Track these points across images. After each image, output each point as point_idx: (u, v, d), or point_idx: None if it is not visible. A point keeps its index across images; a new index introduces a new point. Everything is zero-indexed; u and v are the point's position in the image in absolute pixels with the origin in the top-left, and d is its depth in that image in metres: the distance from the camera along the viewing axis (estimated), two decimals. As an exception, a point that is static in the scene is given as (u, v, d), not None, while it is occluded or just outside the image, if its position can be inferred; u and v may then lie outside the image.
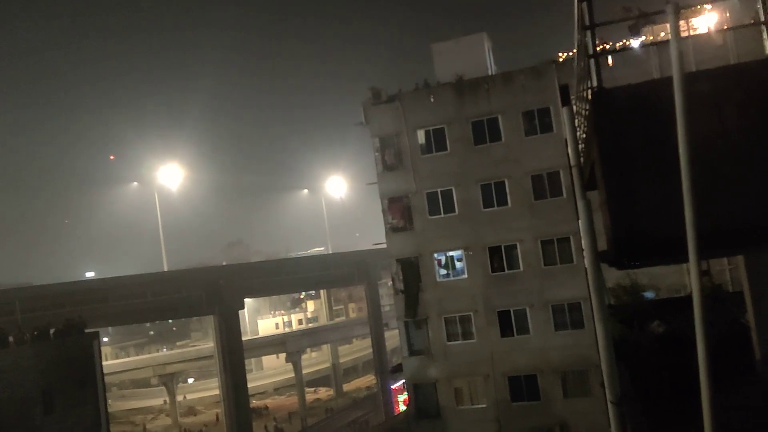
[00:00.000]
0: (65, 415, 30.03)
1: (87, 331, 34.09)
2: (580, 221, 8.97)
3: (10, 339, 30.43)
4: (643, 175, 5.45)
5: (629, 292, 13.46)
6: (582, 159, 9.48)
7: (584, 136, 9.47)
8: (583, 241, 8.92)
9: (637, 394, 8.01)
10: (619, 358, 9.31)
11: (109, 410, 36.44)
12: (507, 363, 29.47)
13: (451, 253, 30.93)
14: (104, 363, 36.95)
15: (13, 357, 29.29)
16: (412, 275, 31.33)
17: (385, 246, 32.58)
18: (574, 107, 10.84)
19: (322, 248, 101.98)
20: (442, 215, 30.81)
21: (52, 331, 32.17)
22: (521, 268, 29.79)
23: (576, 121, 10.36)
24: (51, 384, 30.07)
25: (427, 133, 31.11)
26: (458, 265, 30.96)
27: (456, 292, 30.56)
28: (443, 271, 31.07)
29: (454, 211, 30.66)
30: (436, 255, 31.08)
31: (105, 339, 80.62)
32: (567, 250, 29.00)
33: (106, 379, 37.19)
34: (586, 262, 8.36)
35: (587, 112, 7.93)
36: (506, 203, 29.92)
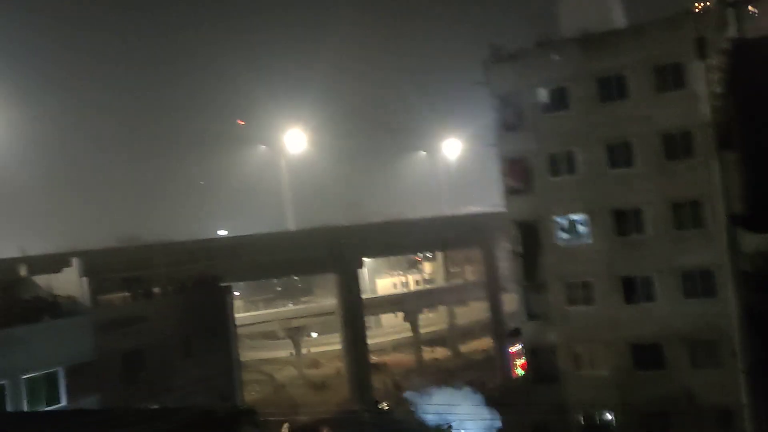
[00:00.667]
0: (202, 360, 32.44)
1: (221, 285, 36.41)
2: (715, 182, 8.40)
3: (155, 290, 33.08)
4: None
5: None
6: (718, 117, 8.83)
7: (721, 92, 8.81)
8: (717, 204, 8.36)
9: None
10: (753, 327, 8.72)
11: (240, 359, 38.81)
12: (630, 330, 28.42)
13: (573, 217, 30.02)
14: (236, 315, 39.33)
15: (156, 307, 31.92)
16: (531, 239, 30.77)
17: (503, 209, 32.12)
18: (712, 61, 10.10)
19: (438, 210, 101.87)
20: (564, 177, 29.87)
21: (189, 284, 34.65)
22: (649, 233, 28.41)
23: (713, 76, 9.63)
24: (189, 332, 32.53)
25: (549, 92, 30.07)
26: (581, 228, 30.02)
27: (578, 257, 29.71)
28: (564, 235, 30.27)
29: (577, 173, 29.62)
30: (557, 218, 30.28)
31: (236, 293, 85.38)
32: (700, 213, 27.18)
33: (238, 330, 39.53)
34: (721, 226, 7.85)
35: (726, 66, 7.33)
36: (633, 164, 28.48)
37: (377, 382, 67.77)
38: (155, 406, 23.02)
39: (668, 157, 27.88)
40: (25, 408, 23.39)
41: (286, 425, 14.62)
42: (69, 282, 28.50)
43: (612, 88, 28.82)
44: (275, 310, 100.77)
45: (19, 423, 14.02)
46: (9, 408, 23.07)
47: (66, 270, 29.29)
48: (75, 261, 29.36)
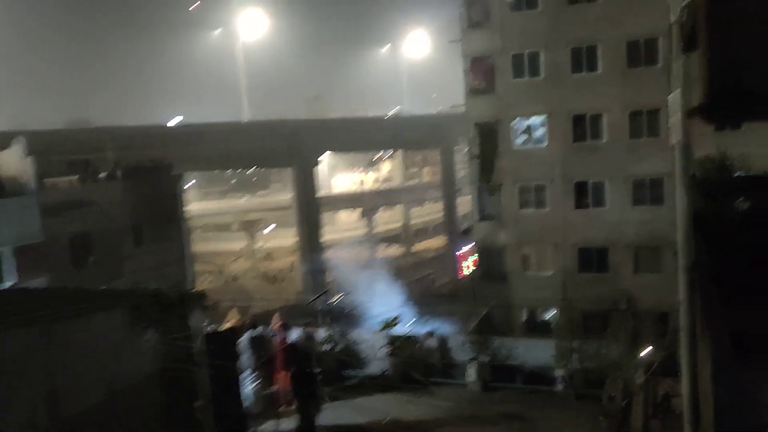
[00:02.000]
0: (153, 249, 32.34)
1: (173, 173, 35.80)
2: (673, 81, 8.40)
3: (102, 174, 32.35)
4: (753, 25, 4.93)
5: (717, 166, 12.76)
6: (685, 19, 8.70)
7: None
8: (672, 104, 8.40)
9: (712, 265, 7.81)
10: (696, 230, 9.02)
11: (194, 250, 38.89)
12: (579, 234, 29.32)
13: (532, 120, 30.08)
14: (190, 206, 39.04)
15: (105, 191, 31.26)
16: (489, 140, 30.85)
17: (463, 110, 31.95)
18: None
19: (398, 107, 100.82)
20: (527, 78, 29.66)
21: (140, 170, 33.94)
22: (605, 139, 28.78)
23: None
24: (140, 219, 32.18)
25: (518, -12, 29.31)
26: (538, 132, 30.16)
27: (533, 161, 30.04)
28: (522, 138, 30.42)
29: (540, 75, 29.43)
30: (516, 120, 30.31)
31: (190, 183, 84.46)
32: (656, 122, 27.63)
33: (191, 221, 39.36)
34: (673, 122, 7.91)
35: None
36: (596, 69, 28.41)
37: (330, 276, 69.25)
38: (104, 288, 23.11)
39: (631, 64, 27.87)
40: (-30, 287, 23.12)
41: (233, 310, 14.86)
42: (12, 162, 27.54)
43: (582, -11, 28.22)
44: (230, 202, 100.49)
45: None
46: (-47, 286, 22.78)
47: (8, 149, 28.23)
48: (19, 140, 28.27)
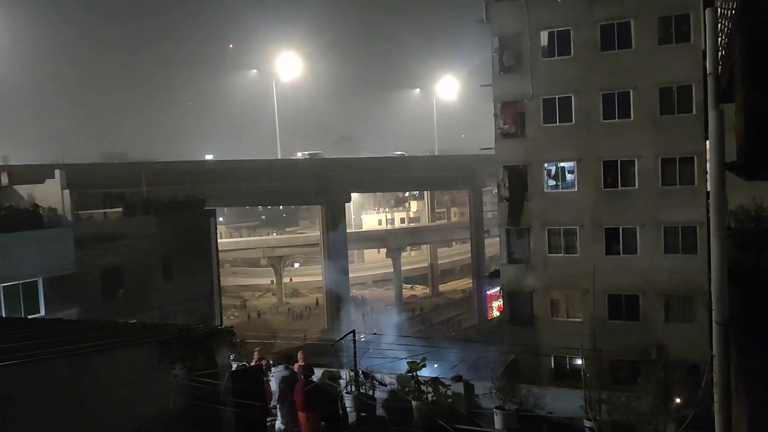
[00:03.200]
0: (182, 282, 32.62)
1: (205, 208, 36.28)
2: (709, 133, 8.34)
3: (137, 209, 32.89)
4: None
5: (752, 216, 12.54)
6: (720, 68, 8.70)
7: (726, 42, 8.65)
8: (709, 155, 8.35)
9: (746, 318, 7.63)
10: (731, 281, 8.85)
11: (221, 284, 39.16)
12: (609, 280, 28.87)
13: (562, 164, 30.00)
14: (219, 240, 39.41)
15: (138, 225, 31.78)
16: (518, 183, 30.80)
17: (492, 152, 32.02)
18: (718, 9, 9.82)
19: (427, 153, 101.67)
20: (558, 124, 29.68)
21: (173, 205, 34.46)
22: (636, 186, 28.53)
23: (718, 25, 9.41)
24: (171, 253, 32.55)
25: (550, 35, 29.54)
26: (569, 177, 30.05)
27: (563, 204, 29.86)
28: (552, 182, 30.31)
29: (571, 120, 29.43)
30: (546, 165, 30.25)
31: (220, 219, 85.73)
32: (689, 170, 27.38)
33: (220, 255, 39.71)
34: (711, 174, 7.82)
35: (733, 12, 7.18)
36: (629, 116, 28.33)
37: (356, 314, 69.00)
38: (133, 321, 23.30)
39: (663, 111, 27.77)
40: (3, 315, 23.49)
41: (257, 350, 14.89)
42: (50, 194, 28.22)
43: (614, 36, 28.38)
44: (259, 237, 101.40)
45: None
46: (-13, 315, 23.15)
47: (48, 181, 28.97)
48: (58, 173, 29.00)
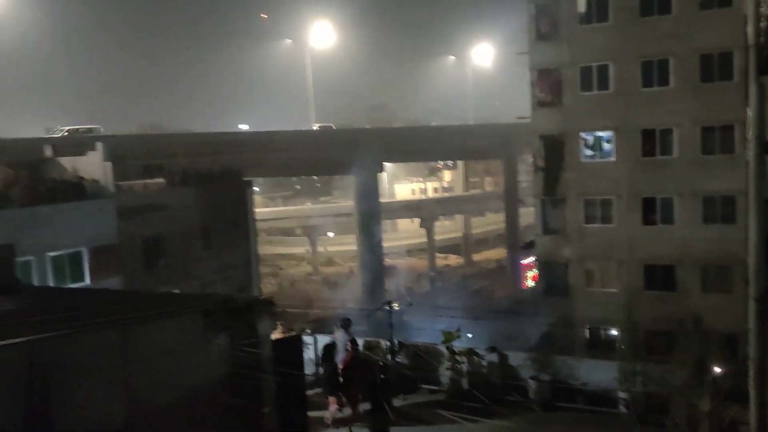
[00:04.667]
0: (221, 252, 33.26)
1: (242, 179, 36.75)
2: (749, 106, 8.20)
3: (176, 180, 33.47)
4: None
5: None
6: (762, 38, 8.50)
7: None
8: (749, 128, 8.20)
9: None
10: (769, 255, 8.75)
11: (258, 253, 39.78)
12: (645, 251, 28.59)
13: (599, 133, 29.58)
14: (255, 210, 39.94)
15: (178, 196, 32.37)
16: (554, 153, 30.50)
17: (528, 121, 31.67)
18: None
19: (461, 122, 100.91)
20: (595, 92, 29.18)
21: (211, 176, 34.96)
22: (675, 155, 28.02)
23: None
24: (209, 223, 33.16)
25: (588, 0, 28.88)
26: (606, 146, 29.66)
27: (600, 174, 29.52)
28: (589, 152, 29.94)
29: (609, 89, 28.91)
30: (583, 134, 29.86)
31: (256, 189, 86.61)
32: (729, 139, 26.73)
33: (256, 225, 40.28)
34: (750, 149, 7.72)
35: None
36: (667, 83, 27.68)
37: (389, 283, 69.53)
38: (175, 291, 23.95)
39: (704, 79, 27.08)
40: (51, 284, 24.33)
41: (280, 323, 15.27)
42: (92, 165, 28.89)
43: (654, 2, 27.64)
44: (294, 207, 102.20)
45: (48, 296, 14.68)
46: (35, 283, 23.99)
47: (90, 153, 29.63)
48: (99, 145, 29.64)
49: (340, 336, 15.57)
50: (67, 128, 50.15)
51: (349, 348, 14.84)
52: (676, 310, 26.90)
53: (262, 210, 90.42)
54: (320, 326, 23.50)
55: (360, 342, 15.98)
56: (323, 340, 15.34)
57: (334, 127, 69.89)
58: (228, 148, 50.71)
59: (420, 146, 67.97)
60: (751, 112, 8.18)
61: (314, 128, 69.64)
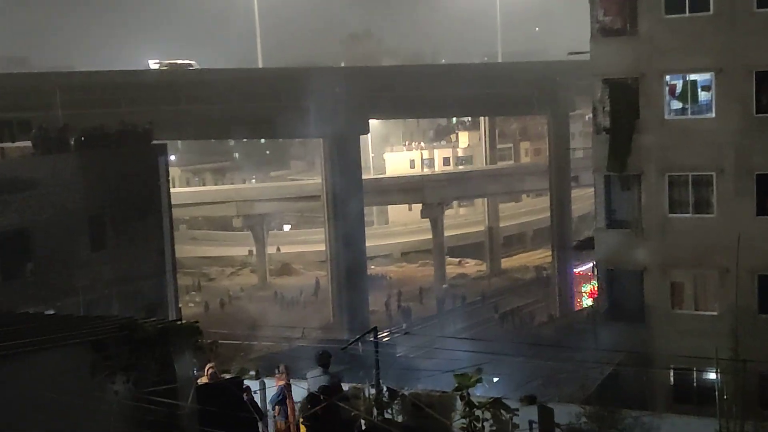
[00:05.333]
0: (119, 253, 33.08)
1: (152, 142, 36.52)
2: None
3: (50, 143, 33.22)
4: None
5: None
6: None
7: None
8: None
9: None
10: None
11: (177, 255, 39.63)
12: (761, 254, 28.73)
13: (692, 77, 29.67)
14: (172, 190, 39.73)
15: (53, 167, 32.10)
16: (625, 105, 30.59)
17: (586, 57, 31.72)
18: None
19: (485, 59, 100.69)
20: (687, 14, 29.22)
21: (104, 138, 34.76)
22: (807, 111, 28.21)
23: None
24: (101, 210, 32.96)
25: None
26: (702, 96, 29.76)
27: (693, 138, 29.61)
28: (677, 104, 30.04)
29: (708, 10, 28.97)
30: (668, 77, 29.93)
31: (172, 157, 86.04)
32: None
33: (174, 213, 40.08)
34: None
35: None
36: (796, 3, 27.81)
37: (376, 302, 69.65)
38: (50, 312, 23.79)
39: None
40: None
41: (210, 365, 15.23)
42: None
43: None
44: (230, 186, 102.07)
45: None
46: None
47: None
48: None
49: (314, 379, 15.65)
50: None
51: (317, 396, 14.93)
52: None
53: (182, 190, 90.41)
54: (270, 365, 23.46)
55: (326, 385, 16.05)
56: (316, 377, 15.46)
57: (196, 65, 67.49)
58: (131, 96, 50.51)
59: (422, 95, 67.90)
60: None
61: (155, 66, 66.73)
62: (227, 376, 15.55)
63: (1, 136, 35.12)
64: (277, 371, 16.35)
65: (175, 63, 60.70)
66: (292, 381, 16.43)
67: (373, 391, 16.76)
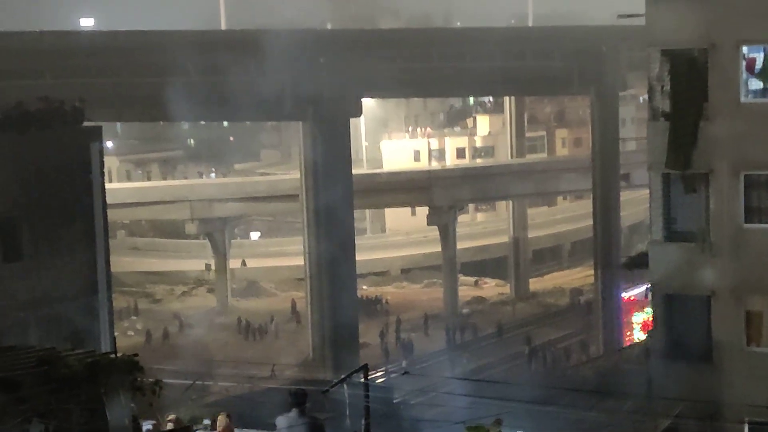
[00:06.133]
0: (39, 265, 33.08)
1: (82, 124, 36.52)
2: None
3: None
4: None
5: None
6: None
7: None
8: None
9: None
10: None
11: (112, 269, 39.59)
12: None
13: (778, 49, 29.81)
14: (107, 186, 39.69)
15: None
16: (690, 84, 30.70)
17: (640, 23, 31.84)
18: None
19: (512, 22, 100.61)
20: (771, -34, 29.42)
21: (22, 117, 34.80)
22: None
23: None
24: (16, 210, 32.95)
25: None
26: (790, 74, 29.92)
27: (779, 128, 29.75)
28: (757, 83, 30.16)
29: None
30: (745, 48, 30.04)
31: (109, 144, 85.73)
32: None
33: (111, 215, 40.01)
34: None
35: None
36: None
37: (369, 332, 69.63)
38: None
39: None
40: None
41: (171, 417, 15.30)
42: None
43: None
44: (184, 181, 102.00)
45: None
46: None
47: None
48: None
49: (288, 424, 15.71)
50: None
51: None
52: None
53: (120, 185, 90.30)
54: (230, 410, 23.48)
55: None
56: (291, 420, 15.53)
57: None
58: (56, 64, 50.47)
59: (431, 67, 67.95)
60: None
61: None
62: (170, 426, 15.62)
63: None
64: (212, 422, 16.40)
65: None
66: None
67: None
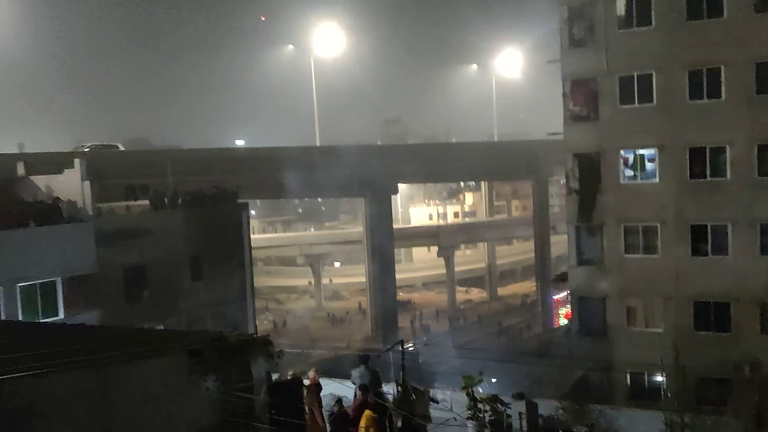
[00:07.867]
0: (212, 283, 33.17)
1: (237, 201, 36.85)
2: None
3: (163, 202, 33.62)
4: None
5: None
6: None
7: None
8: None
9: None
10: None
11: (254, 285, 39.72)
12: (694, 286, 28.30)
13: (641, 151, 29.50)
14: (252, 236, 39.97)
15: (165, 220, 32.44)
16: (590, 173, 30.43)
17: (561, 137, 31.69)
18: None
19: (485, 138, 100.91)
20: (636, 105, 29.12)
21: (202, 197, 35.11)
22: (728, 176, 27.84)
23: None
24: (199, 251, 33.14)
25: (628, 2, 28.97)
26: (649, 166, 29.53)
27: (642, 198, 29.37)
28: (629, 172, 29.83)
29: (652, 101, 28.87)
30: (622, 152, 29.79)
31: (252, 212, 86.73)
32: (790, 159, 26.59)
33: (253, 253, 40.28)
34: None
35: None
36: (719, 95, 27.58)
37: (403, 320, 69.27)
38: (159, 327, 23.92)
39: (760, 90, 26.99)
40: (20, 318, 24.27)
41: (290, 372, 15.29)
42: (70, 185, 28.98)
43: (703, 3, 27.71)
44: (295, 233, 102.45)
45: (16, 332, 14.71)
46: (2, 317, 23.91)
47: (67, 172, 29.78)
48: (77, 162, 29.81)
49: (359, 374, 15.59)
50: (89, 145, 50.74)
51: (358, 394, 14.76)
52: (731, 353, 26.58)
53: (259, 236, 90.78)
54: (325, 369, 23.43)
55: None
56: (328, 384, 15.33)
57: (120, 147, 56.76)
58: (222, 167, 51.10)
59: (438, 165, 68.10)
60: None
61: (85, 149, 51.61)
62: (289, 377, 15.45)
63: (127, 196, 35.60)
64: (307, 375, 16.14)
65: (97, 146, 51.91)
66: (336, 380, 16.37)
67: (399, 389, 16.69)
